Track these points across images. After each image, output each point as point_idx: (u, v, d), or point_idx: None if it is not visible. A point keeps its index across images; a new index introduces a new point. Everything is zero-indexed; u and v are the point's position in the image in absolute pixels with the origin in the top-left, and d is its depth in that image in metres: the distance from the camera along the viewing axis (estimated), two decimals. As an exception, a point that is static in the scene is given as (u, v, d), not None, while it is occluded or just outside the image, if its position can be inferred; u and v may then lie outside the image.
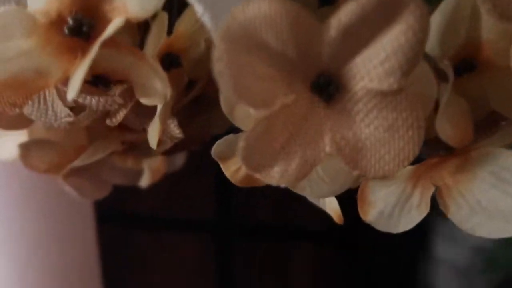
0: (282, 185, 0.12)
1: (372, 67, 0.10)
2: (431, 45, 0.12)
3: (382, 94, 0.10)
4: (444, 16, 0.11)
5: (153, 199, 0.29)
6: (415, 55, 0.10)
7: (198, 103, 0.18)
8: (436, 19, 0.11)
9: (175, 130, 0.16)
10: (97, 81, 0.13)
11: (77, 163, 0.18)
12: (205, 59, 0.14)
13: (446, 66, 0.11)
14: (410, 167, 0.13)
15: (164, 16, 0.12)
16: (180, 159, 0.25)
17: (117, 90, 0.14)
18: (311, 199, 0.16)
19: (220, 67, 0.10)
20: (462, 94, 0.12)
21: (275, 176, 0.11)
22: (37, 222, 0.30)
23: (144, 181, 0.24)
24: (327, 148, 0.11)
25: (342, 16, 0.10)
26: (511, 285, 0.44)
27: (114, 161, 0.21)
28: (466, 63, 0.12)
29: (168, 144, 0.17)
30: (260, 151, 0.11)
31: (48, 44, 0.11)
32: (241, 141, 0.11)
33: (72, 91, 0.11)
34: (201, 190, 0.27)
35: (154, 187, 0.24)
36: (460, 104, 0.12)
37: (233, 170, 0.14)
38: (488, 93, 0.12)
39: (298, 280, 0.30)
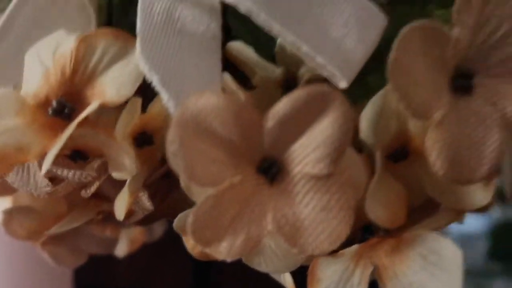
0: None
1: (306, 154, 0.12)
2: (367, 134, 0.13)
3: (316, 178, 0.12)
4: (375, 109, 0.13)
5: (130, 271, 0.29)
6: (341, 145, 0.11)
7: (172, 178, 0.19)
8: (368, 112, 0.13)
9: (146, 202, 0.17)
10: (75, 155, 0.15)
11: (54, 230, 0.19)
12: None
13: (377, 154, 0.13)
14: (355, 246, 0.14)
15: (136, 101, 0.14)
16: (159, 229, 0.26)
17: (93, 164, 0.15)
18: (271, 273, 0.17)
19: (172, 149, 0.11)
20: (400, 179, 0.14)
21: (222, 251, 0.12)
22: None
23: (122, 251, 0.25)
24: (269, 226, 0.12)
25: (278, 110, 0.11)
26: None
27: (92, 230, 0.22)
28: (400, 152, 0.14)
29: (140, 215, 0.18)
30: (208, 226, 0.12)
31: (33, 123, 0.13)
32: (190, 216, 0.12)
33: (46, 165, 0.12)
34: (179, 263, 0.27)
35: (131, 259, 0.25)
36: (392, 188, 0.13)
37: (192, 243, 0.16)
38: (421, 180, 0.14)
39: None
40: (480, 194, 0.13)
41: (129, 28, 0.15)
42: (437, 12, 0.14)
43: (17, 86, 0.15)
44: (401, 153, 0.14)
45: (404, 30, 0.11)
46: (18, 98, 0.13)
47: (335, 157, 0.12)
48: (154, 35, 0.13)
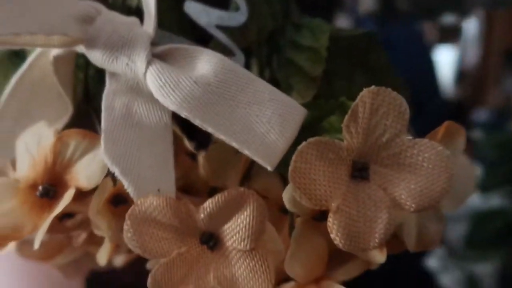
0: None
1: (233, 235, 0.15)
2: (292, 208, 0.17)
3: (243, 251, 0.15)
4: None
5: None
6: (258, 229, 0.15)
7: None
8: (287, 193, 0.16)
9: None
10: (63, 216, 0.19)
11: (58, 261, 0.23)
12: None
13: (297, 222, 0.16)
14: (289, 286, 0.18)
15: (107, 183, 0.17)
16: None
17: (77, 217, 0.19)
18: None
19: (128, 236, 0.15)
20: (324, 235, 0.17)
21: (177, 300, 0.16)
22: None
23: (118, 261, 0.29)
24: (212, 282, 0.16)
25: (206, 207, 0.15)
26: None
27: (90, 250, 0.26)
28: (322, 214, 0.17)
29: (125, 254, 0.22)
30: (166, 281, 0.16)
31: (25, 204, 0.17)
32: (149, 277, 0.16)
33: (37, 242, 0.16)
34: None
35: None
36: (312, 247, 0.17)
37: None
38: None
39: None
40: (378, 255, 0.16)
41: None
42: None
43: (12, 161, 0.19)
44: (324, 215, 0.17)
45: (301, 146, 0.14)
46: (12, 184, 0.17)
47: (254, 238, 0.15)
48: (116, 129, 0.17)
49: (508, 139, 0.56)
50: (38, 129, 0.17)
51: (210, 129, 0.16)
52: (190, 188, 0.21)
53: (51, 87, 0.19)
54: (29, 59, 0.18)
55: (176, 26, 0.21)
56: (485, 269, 0.55)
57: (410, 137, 0.15)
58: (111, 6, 0.22)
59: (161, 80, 0.16)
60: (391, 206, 0.15)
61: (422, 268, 0.58)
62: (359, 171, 0.15)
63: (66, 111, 0.19)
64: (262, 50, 0.22)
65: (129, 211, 0.15)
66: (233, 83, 0.16)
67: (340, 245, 0.15)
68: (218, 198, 0.14)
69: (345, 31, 0.21)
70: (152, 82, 0.16)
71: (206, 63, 0.16)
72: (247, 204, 0.15)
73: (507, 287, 0.54)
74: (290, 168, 0.14)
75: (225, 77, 0.16)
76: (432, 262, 0.59)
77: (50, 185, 0.17)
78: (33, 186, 0.17)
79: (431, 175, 0.15)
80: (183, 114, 0.16)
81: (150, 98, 0.17)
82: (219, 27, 0.20)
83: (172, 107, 0.16)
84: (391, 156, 0.15)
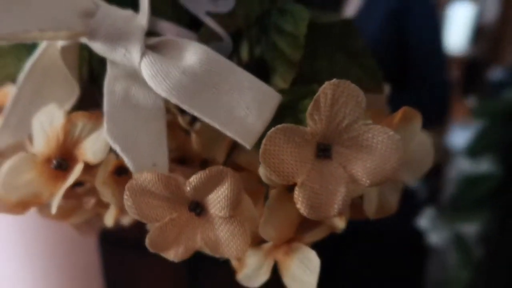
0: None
1: (216, 204, 0.18)
2: (266, 180, 0.19)
3: (223, 217, 0.18)
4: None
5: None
6: (235, 200, 0.18)
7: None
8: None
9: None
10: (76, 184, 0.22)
11: (73, 221, 0.26)
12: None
13: (270, 193, 0.19)
14: (267, 245, 0.21)
15: (110, 158, 0.20)
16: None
17: (86, 186, 0.22)
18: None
19: (128, 204, 0.18)
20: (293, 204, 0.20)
21: (171, 255, 0.19)
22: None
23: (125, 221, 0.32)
24: (199, 242, 0.19)
25: (191, 181, 0.17)
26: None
27: (100, 212, 0.30)
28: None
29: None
30: (160, 242, 0.19)
31: (42, 175, 0.20)
32: (146, 238, 0.19)
33: (54, 207, 0.19)
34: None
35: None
36: (285, 213, 0.20)
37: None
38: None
39: None
40: (339, 221, 0.19)
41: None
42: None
43: (29, 136, 0.21)
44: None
45: (270, 132, 0.17)
46: (31, 158, 0.20)
47: (232, 207, 0.18)
48: (116, 111, 0.19)
49: (500, 107, 0.57)
50: (50, 110, 0.20)
51: (196, 114, 0.18)
52: (185, 159, 0.24)
53: (59, 72, 0.21)
54: (40, 48, 0.21)
55: (170, 12, 0.23)
56: (471, 229, 0.58)
57: (368, 122, 0.17)
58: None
59: (153, 70, 0.18)
60: (349, 182, 0.18)
61: (413, 228, 0.61)
62: (323, 151, 0.18)
63: (74, 92, 0.21)
64: (252, 32, 0.24)
65: (128, 184, 0.18)
66: (216, 72, 0.18)
67: (305, 214, 0.18)
68: (201, 174, 0.17)
69: (326, 17, 0.23)
70: (145, 72, 0.18)
71: (193, 54, 0.18)
72: (225, 179, 0.17)
73: (490, 245, 0.57)
74: (260, 150, 0.17)
75: (210, 67, 0.18)
76: (423, 222, 0.63)
77: (62, 159, 0.20)
78: (48, 160, 0.20)
79: (383, 156, 0.17)
80: (173, 100, 0.18)
81: (145, 83, 0.20)
82: (209, 14, 0.22)
83: (163, 94, 0.18)
84: (350, 138, 0.18)
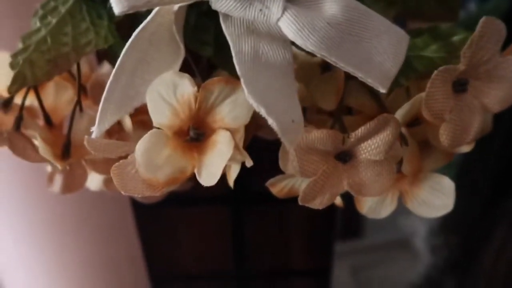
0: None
1: (370, 149, 0.19)
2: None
3: (374, 160, 0.19)
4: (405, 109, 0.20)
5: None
6: (390, 146, 0.19)
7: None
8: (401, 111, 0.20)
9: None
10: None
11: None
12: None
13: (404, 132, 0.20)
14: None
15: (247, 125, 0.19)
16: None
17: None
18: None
19: (293, 164, 0.18)
20: (415, 138, 0.22)
21: (316, 204, 0.20)
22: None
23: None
24: (345, 186, 0.20)
25: (358, 132, 0.18)
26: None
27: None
28: (416, 121, 0.21)
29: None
30: (311, 193, 0.20)
31: (177, 149, 0.19)
32: (302, 191, 0.19)
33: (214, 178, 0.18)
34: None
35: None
36: (413, 146, 0.21)
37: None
38: (428, 135, 0.22)
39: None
40: (467, 147, 0.21)
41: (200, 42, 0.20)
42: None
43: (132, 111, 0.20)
44: (415, 122, 0.21)
45: (433, 75, 0.17)
46: (162, 133, 0.18)
47: (386, 151, 0.19)
48: (250, 72, 0.18)
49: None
50: (169, 78, 0.19)
51: (340, 64, 0.18)
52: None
53: (165, 35, 0.19)
54: (150, 16, 0.18)
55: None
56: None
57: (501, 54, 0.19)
58: None
59: (298, 24, 0.17)
60: (482, 112, 0.20)
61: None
62: (461, 85, 0.19)
63: (179, 54, 0.20)
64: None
65: (295, 145, 0.18)
66: (357, 20, 0.18)
67: (446, 145, 0.19)
68: (368, 125, 0.18)
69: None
70: (288, 27, 0.18)
71: (332, 3, 0.18)
72: (388, 125, 0.18)
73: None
74: (425, 93, 0.18)
75: (350, 16, 0.18)
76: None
77: (197, 130, 0.19)
78: (179, 132, 0.19)
79: (513, 83, 0.19)
80: (322, 53, 0.18)
81: (271, 38, 0.19)
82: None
83: (312, 48, 0.18)
84: (486, 71, 0.19)
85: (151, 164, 0.18)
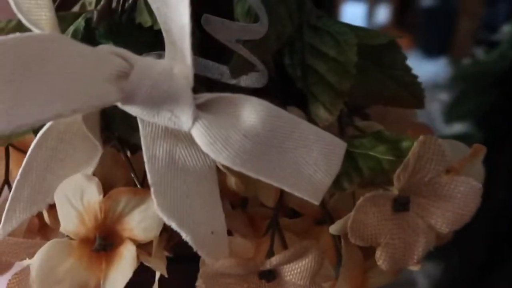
0: None
1: (295, 273, 0.17)
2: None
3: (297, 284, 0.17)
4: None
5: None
6: (317, 270, 0.16)
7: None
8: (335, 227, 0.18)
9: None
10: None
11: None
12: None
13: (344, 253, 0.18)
14: None
15: (159, 240, 0.18)
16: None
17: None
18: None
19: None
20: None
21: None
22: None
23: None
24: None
25: (273, 260, 0.16)
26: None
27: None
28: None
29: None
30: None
31: (81, 259, 0.17)
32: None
33: None
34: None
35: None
36: (355, 268, 0.19)
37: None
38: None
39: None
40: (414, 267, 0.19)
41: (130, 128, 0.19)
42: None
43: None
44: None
45: (360, 201, 0.15)
46: (66, 242, 0.17)
47: (311, 277, 0.17)
48: (163, 180, 0.17)
49: (477, 71, 0.58)
50: (77, 182, 0.17)
51: (261, 178, 0.16)
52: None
53: (78, 132, 0.18)
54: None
55: (195, 45, 0.19)
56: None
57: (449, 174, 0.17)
58: (118, 25, 0.20)
59: (210, 136, 0.16)
60: (428, 231, 0.17)
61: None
62: (402, 205, 0.17)
63: (95, 153, 0.18)
64: (285, 51, 0.21)
65: (201, 271, 0.16)
66: (280, 130, 0.16)
67: (385, 269, 0.17)
68: (285, 253, 0.16)
69: (368, 37, 0.21)
70: (200, 138, 0.16)
71: (251, 112, 0.16)
72: (309, 253, 0.16)
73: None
74: (350, 221, 0.15)
75: (272, 126, 0.16)
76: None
77: (104, 239, 0.17)
78: (85, 240, 0.17)
79: (463, 204, 0.17)
80: (236, 168, 0.16)
81: (190, 142, 0.17)
82: (239, 41, 0.19)
83: (225, 162, 0.16)
84: (430, 189, 0.17)
85: (48, 279, 0.17)
